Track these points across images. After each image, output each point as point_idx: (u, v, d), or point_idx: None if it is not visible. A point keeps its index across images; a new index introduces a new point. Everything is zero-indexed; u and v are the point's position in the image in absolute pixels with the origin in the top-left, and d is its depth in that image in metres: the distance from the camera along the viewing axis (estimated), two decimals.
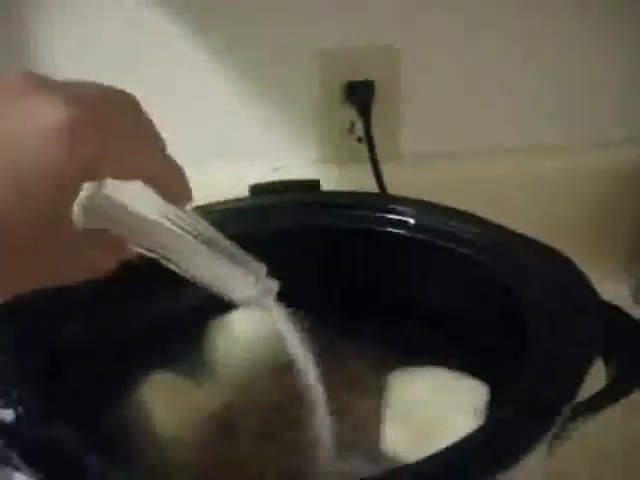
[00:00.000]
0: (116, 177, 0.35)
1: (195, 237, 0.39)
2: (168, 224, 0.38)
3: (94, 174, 0.34)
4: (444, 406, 0.48)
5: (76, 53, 0.70)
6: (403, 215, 0.55)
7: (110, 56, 0.69)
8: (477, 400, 0.48)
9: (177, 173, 0.38)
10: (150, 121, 0.37)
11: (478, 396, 0.48)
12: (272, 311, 0.43)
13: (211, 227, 0.40)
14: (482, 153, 0.76)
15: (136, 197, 0.37)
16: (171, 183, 0.38)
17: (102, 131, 0.33)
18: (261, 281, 0.42)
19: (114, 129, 0.34)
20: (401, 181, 0.71)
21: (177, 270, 0.40)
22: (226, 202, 0.59)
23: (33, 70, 0.35)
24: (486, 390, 0.48)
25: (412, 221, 0.55)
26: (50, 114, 0.32)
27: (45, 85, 0.33)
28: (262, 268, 0.42)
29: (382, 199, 0.62)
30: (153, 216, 0.38)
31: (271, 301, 0.43)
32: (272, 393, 0.50)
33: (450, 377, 0.50)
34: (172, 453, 0.48)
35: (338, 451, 0.47)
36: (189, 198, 0.39)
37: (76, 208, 0.34)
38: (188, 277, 0.40)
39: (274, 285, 0.43)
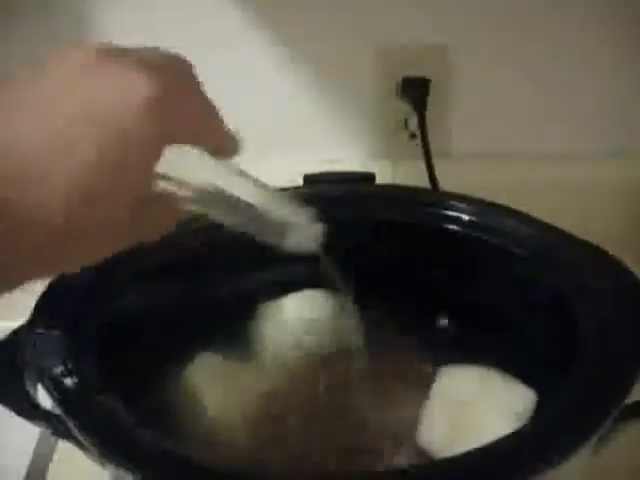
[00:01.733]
0: (187, 142, 0.36)
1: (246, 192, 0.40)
2: (224, 184, 0.39)
3: (173, 142, 0.35)
4: (486, 408, 0.47)
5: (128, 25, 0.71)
6: (457, 211, 0.56)
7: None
8: (521, 405, 0.47)
9: (231, 135, 0.39)
10: (203, 84, 0.38)
11: (523, 401, 0.47)
12: (318, 254, 0.43)
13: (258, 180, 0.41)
14: (534, 155, 0.75)
15: (195, 159, 0.38)
16: (227, 144, 0.39)
17: (179, 101, 0.34)
18: (308, 225, 0.42)
19: (185, 97, 0.35)
20: (452, 179, 0.71)
21: (226, 222, 0.40)
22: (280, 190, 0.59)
23: (85, 36, 0.35)
24: (533, 396, 0.48)
25: (466, 218, 0.55)
26: (135, 88, 0.33)
27: (118, 56, 0.34)
28: (311, 212, 0.42)
29: (436, 195, 0.62)
30: (214, 179, 0.38)
31: (317, 245, 0.43)
32: (319, 378, 0.51)
33: (498, 379, 0.49)
34: (219, 433, 0.48)
35: (380, 439, 0.48)
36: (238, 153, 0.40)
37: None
38: (238, 228, 0.40)
39: (319, 228, 0.43)
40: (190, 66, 0.37)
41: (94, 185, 0.33)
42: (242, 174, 0.39)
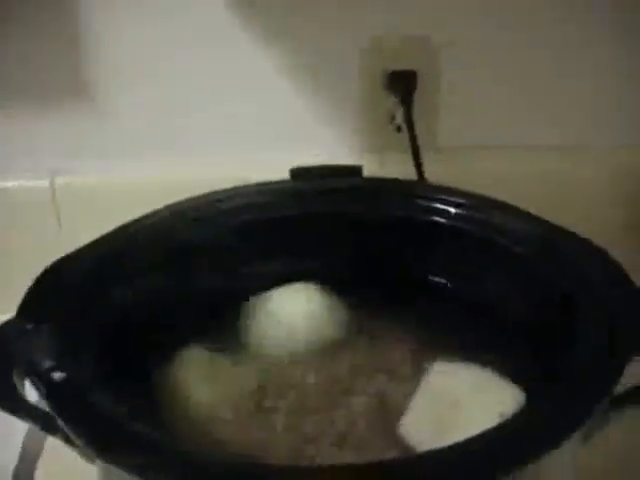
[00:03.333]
0: None
1: None
2: None
3: None
4: (473, 406, 0.47)
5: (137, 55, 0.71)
6: (445, 204, 0.56)
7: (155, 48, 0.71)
8: (509, 406, 0.46)
9: None
10: None
11: (511, 402, 0.47)
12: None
13: None
14: (521, 148, 0.76)
15: None
16: None
17: None
18: None
19: None
20: (439, 172, 0.71)
21: None
22: (267, 184, 0.59)
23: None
24: (521, 397, 0.47)
25: (453, 210, 0.55)
26: None
27: None
28: None
29: (424, 187, 0.62)
30: None
31: None
32: (310, 372, 0.51)
33: (488, 378, 0.49)
34: (208, 427, 0.48)
35: (369, 432, 0.48)
36: None
37: None
38: None
39: None
40: None
41: None
42: None
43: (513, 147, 0.76)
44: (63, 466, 0.55)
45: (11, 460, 0.62)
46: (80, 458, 0.44)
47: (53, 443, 0.47)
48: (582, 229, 0.52)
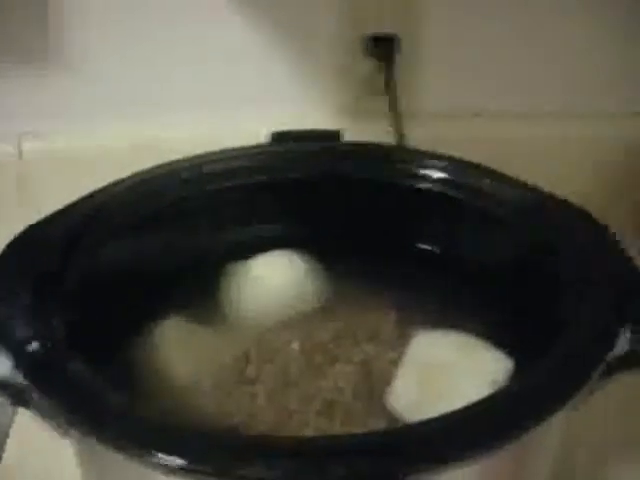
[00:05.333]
0: None
1: None
2: None
3: None
4: (461, 373, 0.47)
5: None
6: (428, 168, 0.54)
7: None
8: (498, 372, 0.46)
9: None
10: None
11: (500, 368, 0.47)
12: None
13: None
14: (507, 115, 0.75)
15: None
16: None
17: None
18: None
19: None
20: (420, 137, 0.70)
21: None
22: (246, 148, 0.57)
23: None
24: (509, 364, 0.47)
25: (437, 175, 0.54)
26: None
27: None
28: None
29: (405, 151, 0.61)
30: None
31: None
32: (291, 340, 0.49)
33: (475, 345, 0.48)
34: (189, 398, 0.47)
35: (356, 401, 0.47)
36: None
37: None
38: None
39: None
40: None
41: None
42: None
43: (498, 114, 0.75)
44: (33, 442, 0.54)
45: None
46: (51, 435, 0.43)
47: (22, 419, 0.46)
48: (572, 197, 0.51)
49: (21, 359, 0.39)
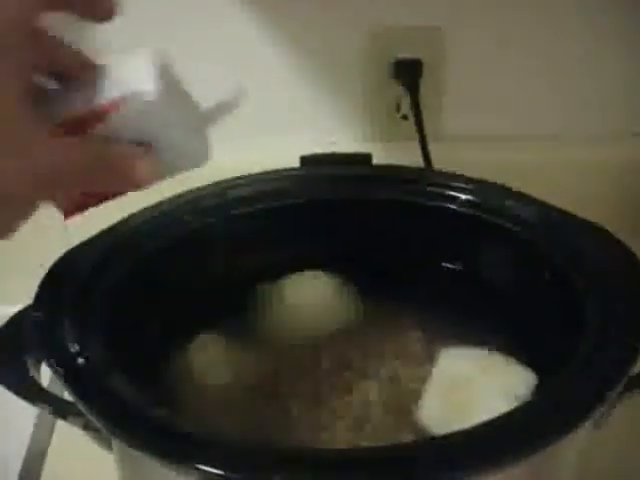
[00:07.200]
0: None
1: None
2: None
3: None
4: (486, 389, 0.48)
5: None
6: (454, 190, 0.56)
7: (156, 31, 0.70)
8: (521, 387, 0.47)
9: None
10: None
11: (523, 383, 0.48)
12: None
13: None
14: (526, 138, 0.76)
15: None
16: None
17: None
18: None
19: None
20: (445, 161, 0.71)
21: None
22: (277, 172, 0.59)
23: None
24: (533, 378, 0.48)
25: (463, 197, 0.56)
26: None
27: None
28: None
29: (432, 174, 0.63)
30: None
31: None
32: (322, 359, 0.51)
33: (498, 361, 0.50)
34: (224, 412, 0.49)
35: (385, 417, 0.48)
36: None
37: None
38: None
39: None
40: None
41: None
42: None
43: (518, 137, 0.76)
44: (74, 452, 0.56)
45: (23, 447, 0.62)
46: (91, 444, 0.45)
47: (63, 430, 0.48)
48: (588, 217, 0.52)
49: (68, 373, 0.41)
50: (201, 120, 0.42)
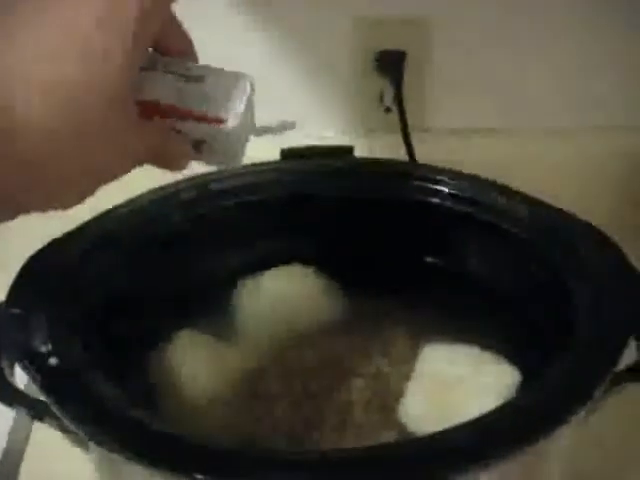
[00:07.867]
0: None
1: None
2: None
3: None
4: (470, 386, 0.47)
5: None
6: (439, 184, 0.55)
7: None
8: (506, 384, 0.47)
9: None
10: None
11: (508, 381, 0.47)
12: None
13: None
14: (510, 131, 0.75)
15: None
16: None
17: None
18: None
19: None
20: (428, 153, 0.70)
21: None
22: (257, 165, 0.58)
23: None
24: (517, 376, 0.47)
25: (447, 190, 0.55)
26: None
27: None
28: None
29: (416, 167, 0.62)
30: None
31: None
32: (306, 355, 0.50)
33: (484, 357, 0.49)
34: (205, 411, 0.48)
35: (366, 416, 0.48)
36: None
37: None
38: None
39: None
40: None
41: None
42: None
43: (503, 130, 0.75)
44: (51, 453, 0.54)
45: None
46: (68, 445, 0.44)
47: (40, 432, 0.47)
48: (575, 211, 0.51)
49: (42, 373, 0.40)
50: (253, 132, 0.44)
